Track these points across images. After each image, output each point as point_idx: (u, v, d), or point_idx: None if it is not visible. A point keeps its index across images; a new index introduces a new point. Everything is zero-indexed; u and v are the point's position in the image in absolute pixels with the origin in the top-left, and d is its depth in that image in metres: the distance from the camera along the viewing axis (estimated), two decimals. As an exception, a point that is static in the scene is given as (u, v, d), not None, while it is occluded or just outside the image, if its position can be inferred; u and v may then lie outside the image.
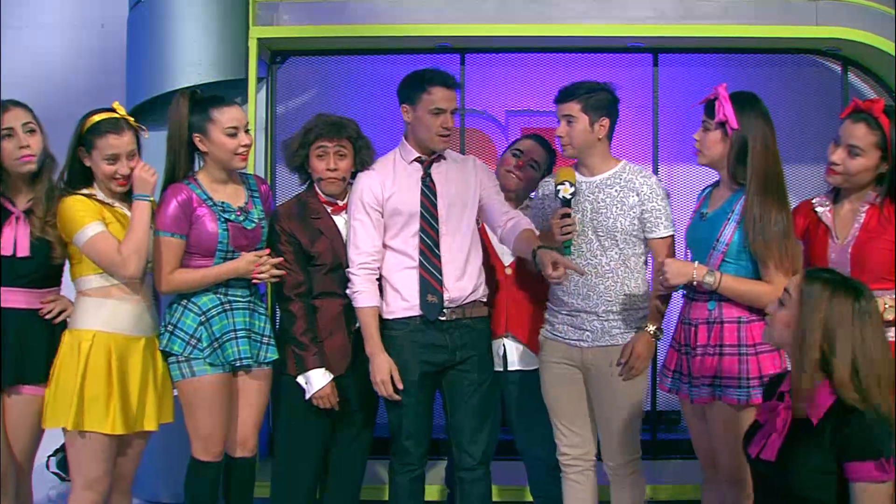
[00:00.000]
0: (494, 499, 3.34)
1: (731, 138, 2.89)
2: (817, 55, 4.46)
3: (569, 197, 3.03)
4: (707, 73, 4.56)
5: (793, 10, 4.17)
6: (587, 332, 3.11)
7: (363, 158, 3.27)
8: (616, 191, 3.09)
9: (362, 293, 3.17)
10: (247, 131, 3.16)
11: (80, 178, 3.06)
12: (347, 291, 3.19)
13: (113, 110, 3.08)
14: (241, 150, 3.13)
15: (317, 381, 3.16)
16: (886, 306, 2.75)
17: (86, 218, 2.97)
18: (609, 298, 3.09)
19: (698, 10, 4.19)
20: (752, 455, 2.40)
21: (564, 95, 3.12)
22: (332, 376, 3.18)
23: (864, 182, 2.88)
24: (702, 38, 4.26)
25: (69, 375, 2.95)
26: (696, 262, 2.91)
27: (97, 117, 3.05)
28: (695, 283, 2.87)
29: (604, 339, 3.10)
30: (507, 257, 3.43)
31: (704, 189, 3.15)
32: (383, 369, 3.12)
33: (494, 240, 3.39)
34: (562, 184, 3.04)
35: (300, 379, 3.18)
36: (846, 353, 2.22)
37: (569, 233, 3.02)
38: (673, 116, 4.48)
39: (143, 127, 3.14)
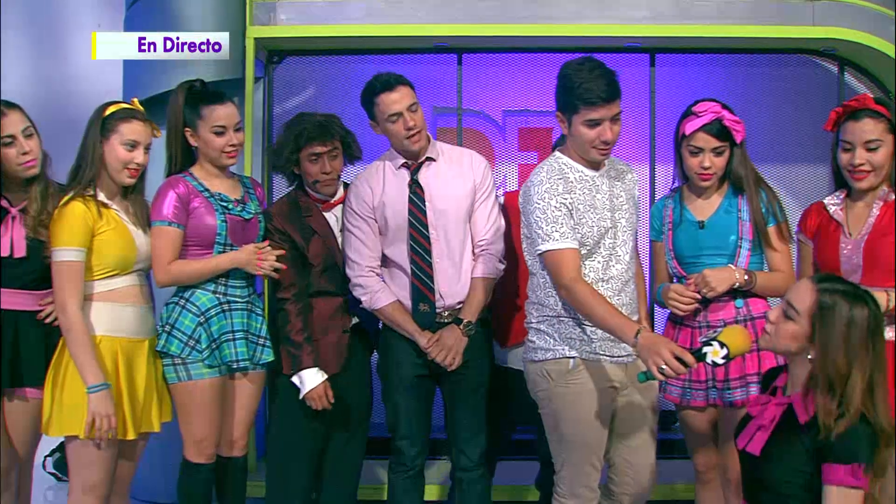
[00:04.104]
0: (494, 499, 3.33)
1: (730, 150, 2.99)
2: (814, 55, 4.47)
3: (710, 363, 2.47)
4: (704, 73, 4.58)
5: (789, 10, 4.19)
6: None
7: (352, 153, 3.27)
8: (622, 182, 2.91)
9: (379, 292, 3.14)
10: (238, 130, 3.13)
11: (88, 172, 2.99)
12: (360, 296, 3.16)
13: (131, 104, 3.09)
14: (229, 148, 3.11)
15: (310, 380, 3.14)
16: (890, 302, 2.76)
17: (72, 240, 2.90)
18: (633, 303, 2.91)
19: (695, 11, 4.20)
20: (740, 447, 2.41)
21: (616, 91, 2.71)
22: (325, 376, 3.17)
23: (889, 171, 2.90)
24: (699, 39, 4.27)
25: (77, 383, 2.87)
26: (731, 265, 2.94)
27: (119, 105, 3.04)
28: (736, 284, 2.90)
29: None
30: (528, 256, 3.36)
31: (662, 202, 3.15)
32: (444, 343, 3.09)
33: None
34: (721, 346, 2.46)
35: (294, 378, 3.17)
36: (863, 368, 2.21)
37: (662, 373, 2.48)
38: (670, 116, 4.45)
39: (156, 126, 3.12)
